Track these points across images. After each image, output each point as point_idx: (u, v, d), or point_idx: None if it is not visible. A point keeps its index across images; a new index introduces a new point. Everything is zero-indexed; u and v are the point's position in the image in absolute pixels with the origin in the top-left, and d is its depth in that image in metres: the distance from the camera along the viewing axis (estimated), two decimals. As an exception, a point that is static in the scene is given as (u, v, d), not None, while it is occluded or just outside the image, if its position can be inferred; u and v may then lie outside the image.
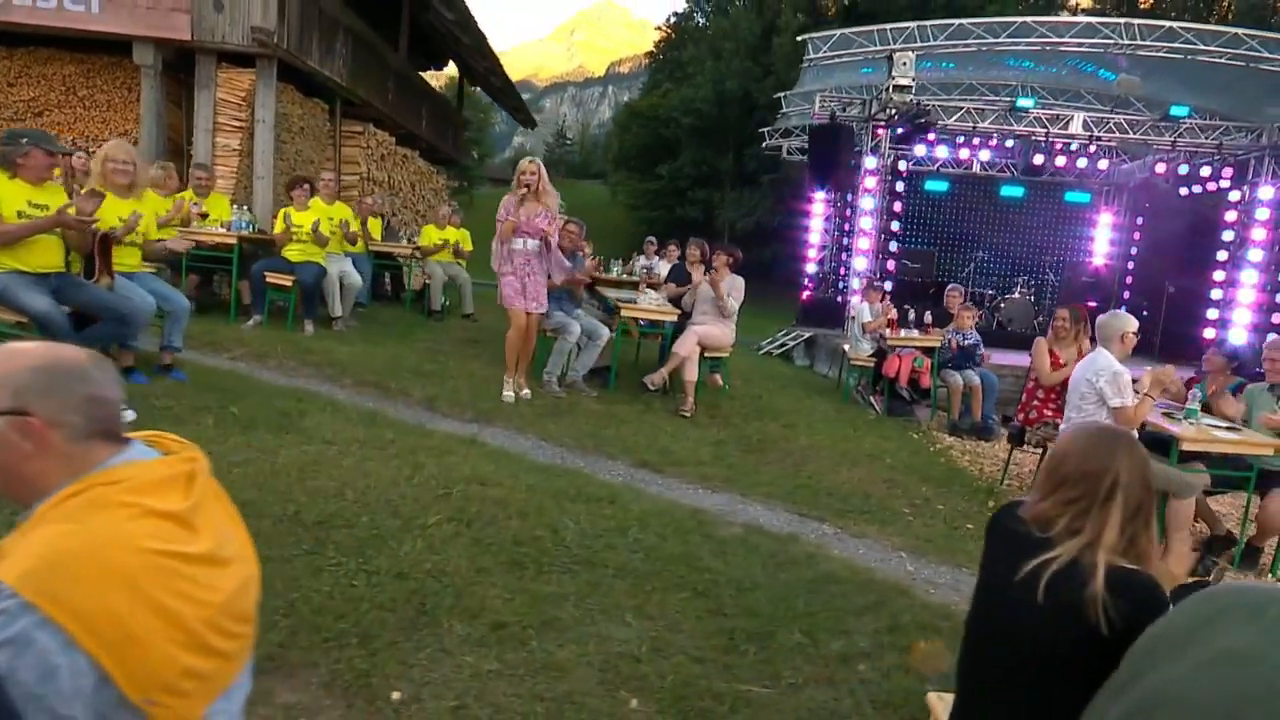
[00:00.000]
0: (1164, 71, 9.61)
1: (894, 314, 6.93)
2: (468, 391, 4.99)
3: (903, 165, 10.00)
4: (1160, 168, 10.48)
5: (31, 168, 3.39)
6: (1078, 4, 32.58)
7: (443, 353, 6.15)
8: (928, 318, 6.73)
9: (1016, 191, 12.68)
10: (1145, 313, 10.83)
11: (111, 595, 0.88)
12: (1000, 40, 9.35)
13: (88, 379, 1.02)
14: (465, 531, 3.05)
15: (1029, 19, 9.42)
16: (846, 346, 7.46)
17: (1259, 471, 4.01)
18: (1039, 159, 10.08)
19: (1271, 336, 4.30)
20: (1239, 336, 9.52)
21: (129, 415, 1.08)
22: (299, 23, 6.93)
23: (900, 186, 10.02)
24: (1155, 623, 1.06)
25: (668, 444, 4.57)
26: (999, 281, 12.37)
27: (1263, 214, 9.70)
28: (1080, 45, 9.21)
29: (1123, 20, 9.14)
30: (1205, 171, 9.94)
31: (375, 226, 8.07)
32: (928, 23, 9.49)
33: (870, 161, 10.09)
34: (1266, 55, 8.52)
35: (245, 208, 6.08)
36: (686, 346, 5.46)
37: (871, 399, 6.86)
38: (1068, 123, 9.86)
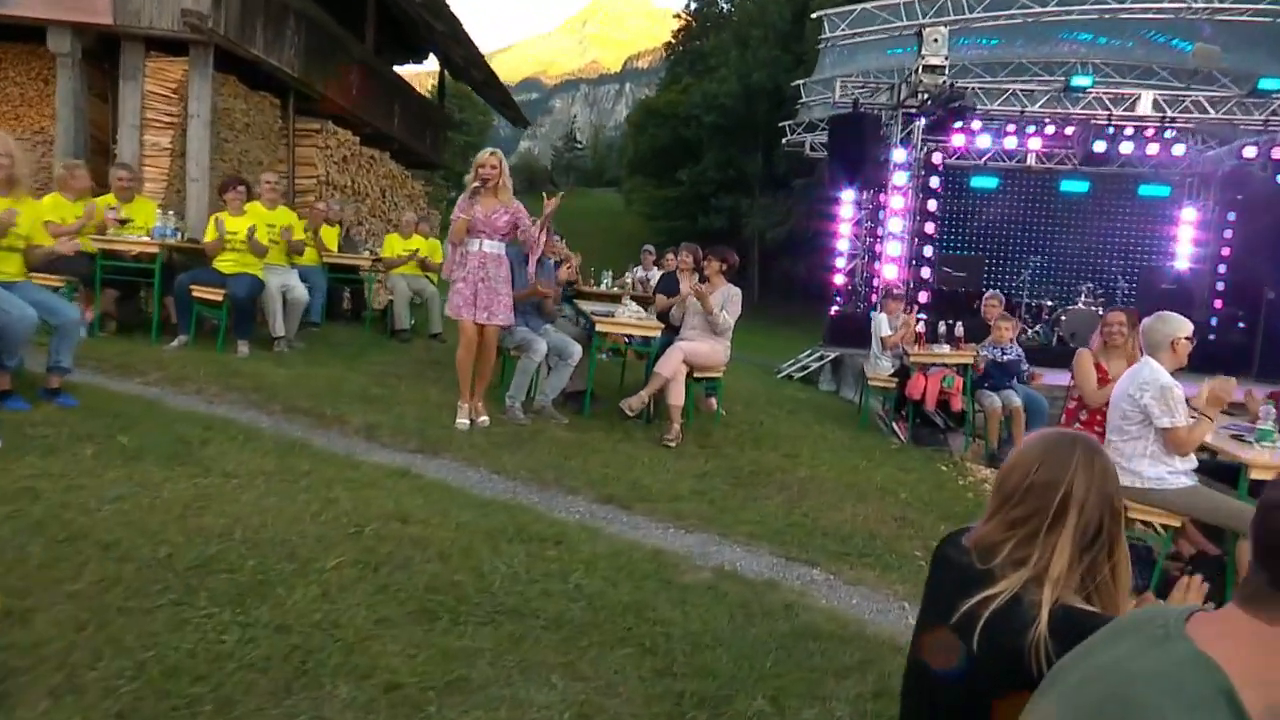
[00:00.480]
0: (1250, 39, 9.40)
1: (918, 326, 6.84)
2: (416, 418, 4.98)
3: (937, 158, 9.90)
4: (1249, 152, 10.24)
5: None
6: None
7: (396, 376, 6.18)
8: (958, 330, 6.58)
9: (1079, 186, 12.49)
10: (1241, 325, 10.53)
11: None
12: (1050, 9, 9.26)
13: None
14: (370, 576, 2.95)
15: (1085, -16, 9.35)
16: (865, 365, 7.45)
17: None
18: (1100, 146, 9.91)
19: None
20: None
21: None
22: (240, 5, 7.05)
23: (935, 182, 9.94)
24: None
25: (642, 476, 4.50)
26: (1060, 290, 12.13)
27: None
28: (1149, 11, 9.06)
29: (1201, -22, 9.00)
30: (1307, 155, 9.71)
31: (330, 235, 8.15)
32: (963, -7, 9.48)
33: (899, 155, 10.05)
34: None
35: (171, 213, 6.12)
36: (670, 366, 5.40)
37: (894, 425, 6.82)
38: (1134, 102, 9.70)
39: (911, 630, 3.03)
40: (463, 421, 4.93)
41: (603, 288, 8.34)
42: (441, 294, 8.47)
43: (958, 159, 12.00)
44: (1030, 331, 10.70)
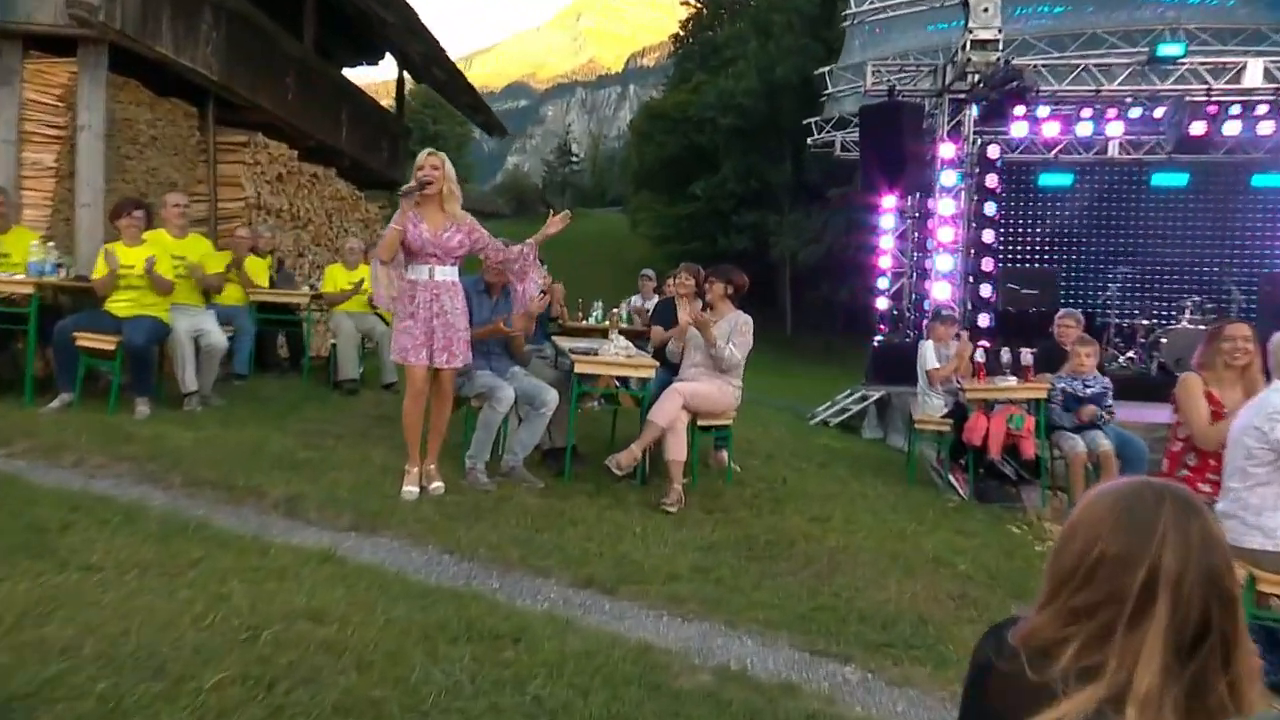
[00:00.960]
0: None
1: (975, 354, 6.84)
2: (353, 487, 4.91)
3: (994, 152, 9.90)
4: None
5: None
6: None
7: (334, 436, 6.13)
8: (1026, 358, 6.48)
9: (1176, 179, 12.33)
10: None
11: None
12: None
13: None
14: (262, 696, 2.73)
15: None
16: (912, 405, 7.45)
17: None
18: (1199, 128, 9.72)
19: None
20: None
21: None
22: (141, -6, 7.07)
23: (993, 182, 9.92)
24: None
25: (631, 551, 4.40)
26: (1157, 307, 11.91)
27: None
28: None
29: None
30: None
31: (258, 268, 8.15)
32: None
33: (948, 150, 10.07)
34: None
35: (53, 246, 6.02)
36: (667, 413, 5.35)
37: (951, 478, 6.80)
38: (1239, 73, 9.56)
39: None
40: (410, 490, 4.87)
41: (591, 321, 8.41)
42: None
43: (1020, 153, 11.95)
44: (1122, 359, 10.46)
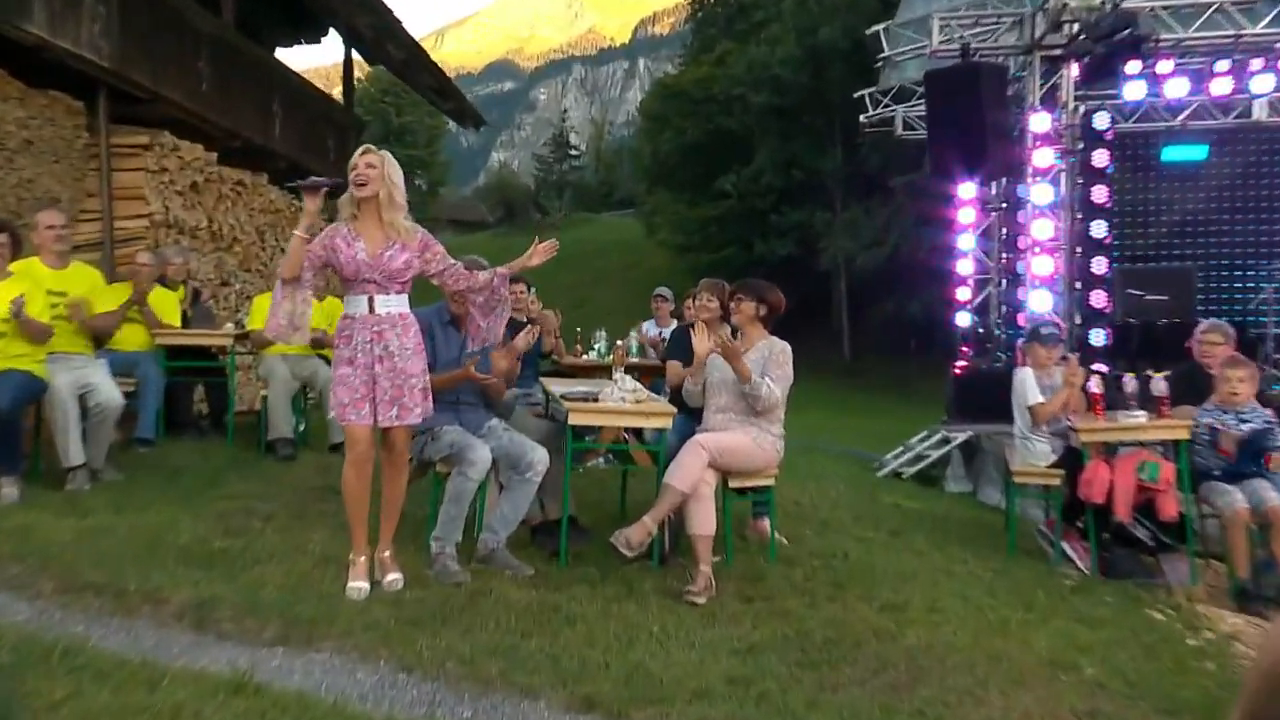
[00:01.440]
0: None
1: (1089, 383, 6.71)
2: (282, 585, 4.83)
3: (1103, 121, 9.89)
4: None
5: None
6: None
7: (262, 516, 6.10)
8: (1158, 385, 6.42)
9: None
10: None
11: None
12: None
13: None
14: None
15: None
16: (1009, 452, 7.43)
17: None
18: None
19: None
20: None
21: None
22: (0, -39, 7.13)
23: (1102, 159, 9.95)
24: None
25: (646, 660, 4.31)
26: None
27: None
28: None
29: None
30: None
31: (167, 303, 8.18)
32: None
33: (1041, 122, 10.11)
34: None
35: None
36: (688, 474, 5.31)
37: (1067, 546, 6.74)
38: None
39: None
40: (358, 586, 4.81)
41: (593, 356, 8.45)
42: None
43: (1137, 121, 11.95)
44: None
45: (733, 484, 5.62)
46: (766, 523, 6.12)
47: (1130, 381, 6.82)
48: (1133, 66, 9.63)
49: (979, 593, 5.65)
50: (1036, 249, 10.07)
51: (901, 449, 11.49)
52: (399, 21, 12.62)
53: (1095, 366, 8.80)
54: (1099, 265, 9.81)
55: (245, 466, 7.58)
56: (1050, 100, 10.07)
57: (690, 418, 5.96)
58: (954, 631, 4.88)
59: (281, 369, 8.09)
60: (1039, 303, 9.96)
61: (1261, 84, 10.26)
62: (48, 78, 8.36)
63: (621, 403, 5.64)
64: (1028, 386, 6.97)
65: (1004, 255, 12.31)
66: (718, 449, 5.38)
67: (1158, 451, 6.34)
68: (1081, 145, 9.90)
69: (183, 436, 8.32)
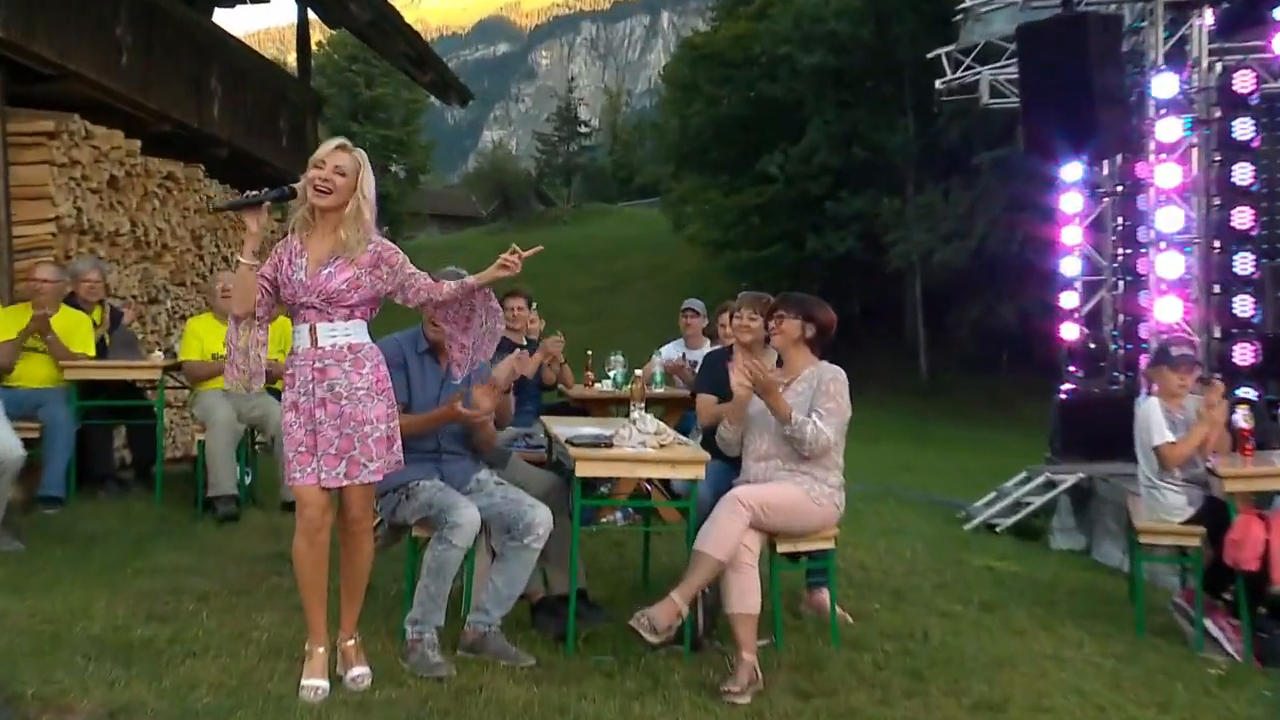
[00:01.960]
0: None
1: (1236, 416, 6.65)
2: (220, 685, 4.77)
3: (1244, 83, 9.82)
4: None
5: None
6: None
7: (196, 595, 6.07)
8: None
9: None
10: None
11: None
12: None
13: None
14: None
15: None
16: (1132, 503, 7.37)
17: None
18: None
19: None
20: None
21: None
22: None
23: (1246, 130, 9.84)
24: None
25: None
26: None
27: None
28: None
29: None
30: None
31: (78, 328, 8.19)
32: None
33: (1165, 85, 10.10)
34: None
35: None
36: (725, 537, 5.26)
37: (1212, 624, 6.60)
38: None
39: None
40: (314, 685, 4.75)
41: (607, 386, 8.39)
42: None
43: None
44: None
45: (782, 548, 5.58)
46: (825, 595, 6.08)
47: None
48: (1281, 13, 9.54)
49: (1098, 686, 5.55)
50: (1162, 244, 10.01)
51: (994, 494, 11.35)
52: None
53: (1241, 393, 8.67)
54: (1243, 263, 9.68)
55: (177, 531, 7.57)
56: (1178, 58, 10.01)
57: (728, 464, 5.93)
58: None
59: (223, 408, 8.08)
60: (1166, 311, 9.88)
61: None
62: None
63: (641, 448, 5.58)
64: (1154, 421, 6.87)
65: (1120, 251, 12.19)
66: (761, 505, 5.33)
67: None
68: (1218, 113, 9.83)
69: (99, 494, 8.35)
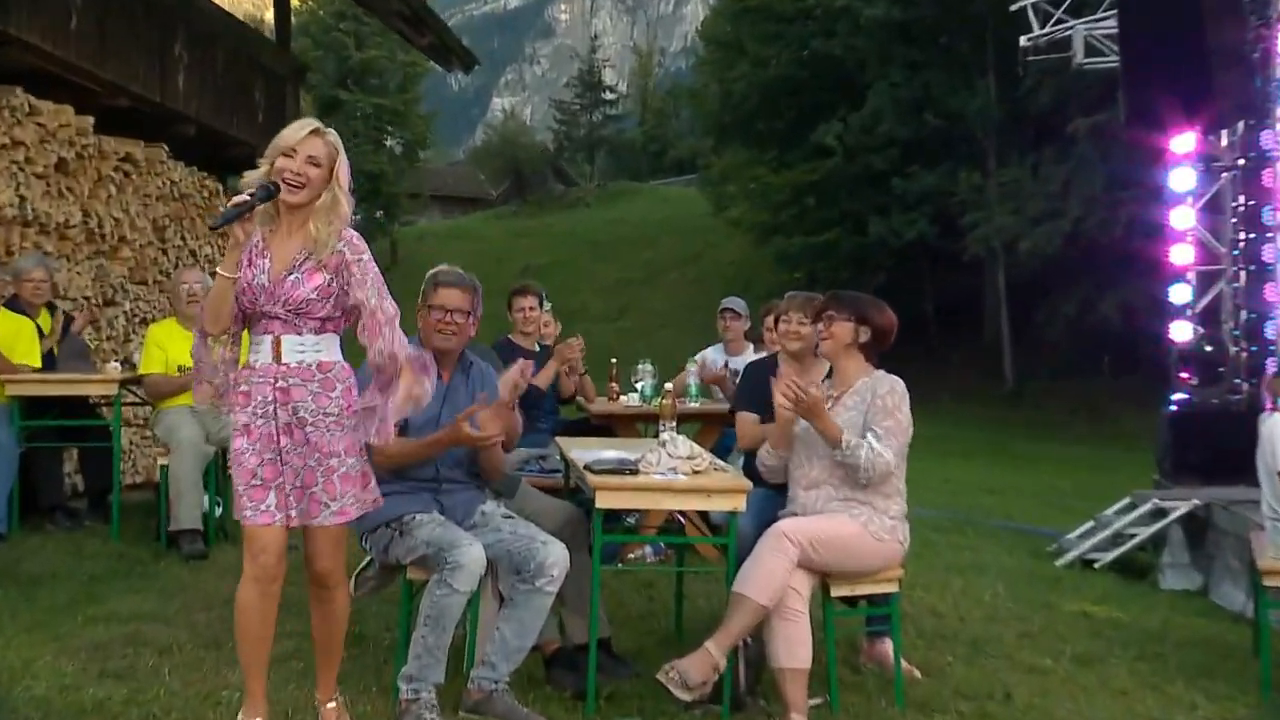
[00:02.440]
0: None
1: None
2: None
3: None
4: None
5: None
6: None
7: (158, 648, 6.09)
8: None
9: None
10: None
11: None
12: None
13: None
14: None
15: None
16: (1255, 536, 7.29)
17: None
18: None
19: None
20: None
21: None
22: None
23: None
24: None
25: None
26: None
27: None
28: None
29: None
30: None
31: (21, 336, 8.29)
32: None
33: None
34: None
35: None
36: (769, 577, 5.27)
37: None
38: None
39: None
40: None
41: (634, 400, 8.41)
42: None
43: None
44: None
45: (836, 591, 5.57)
46: (888, 647, 6.03)
47: None
48: None
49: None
50: (1285, 226, 9.87)
51: (1092, 524, 11.19)
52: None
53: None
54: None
55: (136, 571, 7.60)
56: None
57: (775, 491, 5.92)
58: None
59: (188, 428, 8.11)
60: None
61: None
62: None
63: (671, 475, 5.53)
64: (1279, 441, 6.83)
65: (1241, 236, 11.96)
66: (811, 541, 5.30)
67: None
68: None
69: (46, 527, 8.42)
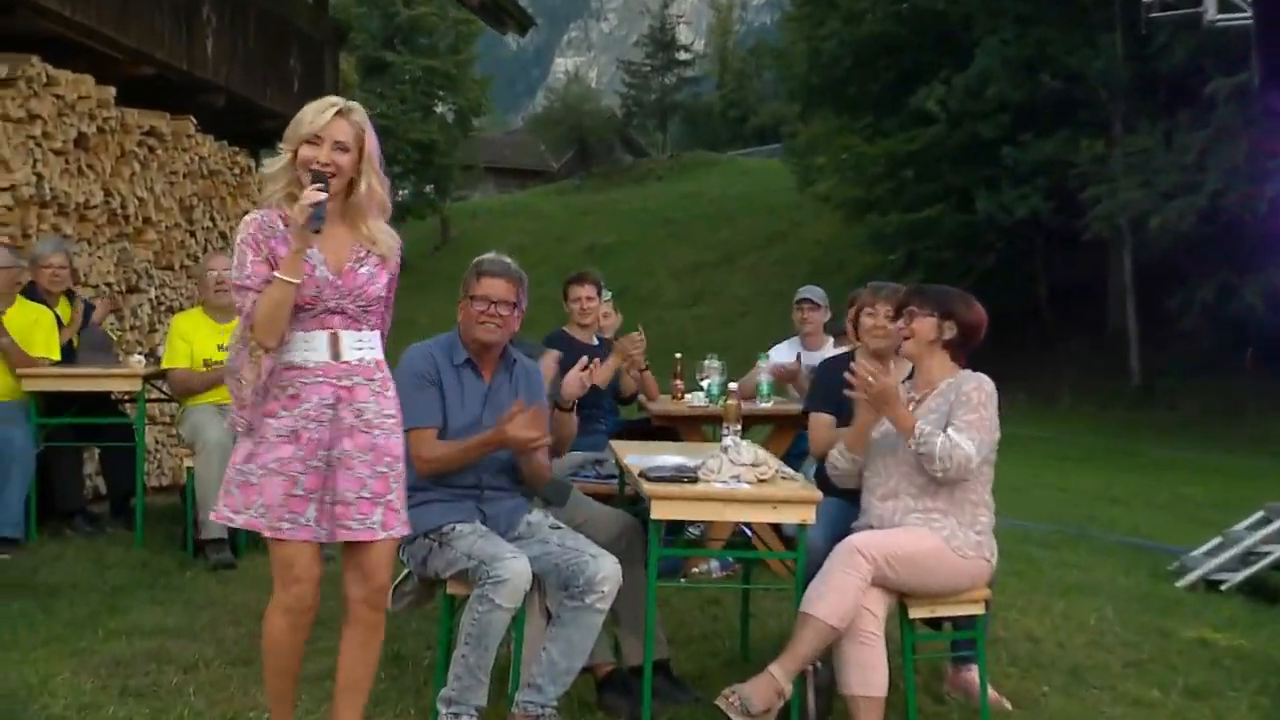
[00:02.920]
0: None
1: None
2: None
3: None
4: None
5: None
6: None
7: (183, 665, 6.18)
8: None
9: None
10: None
11: None
12: None
13: None
14: None
15: None
16: None
17: None
18: None
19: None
20: None
21: None
22: None
23: None
24: None
25: None
26: None
27: None
28: None
29: None
30: None
31: (38, 326, 8.38)
32: None
33: None
34: None
35: None
36: (840, 596, 5.26)
37: None
38: None
39: None
40: None
41: (700, 400, 8.39)
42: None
43: None
44: None
45: (915, 612, 5.54)
46: (974, 674, 5.98)
47: None
48: None
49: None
50: None
51: (1219, 540, 10.95)
52: None
53: None
54: None
55: (161, 581, 7.68)
56: None
57: (850, 502, 5.91)
58: None
59: (214, 427, 8.14)
60: None
61: None
62: None
63: (734, 483, 5.52)
64: None
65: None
66: (887, 557, 5.28)
67: None
68: None
69: (66, 533, 8.54)
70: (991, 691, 5.92)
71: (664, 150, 73.81)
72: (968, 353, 5.76)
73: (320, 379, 4.60)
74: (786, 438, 8.22)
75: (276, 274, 4.44)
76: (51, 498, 8.63)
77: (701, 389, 8.35)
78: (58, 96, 9.80)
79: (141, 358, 9.01)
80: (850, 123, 40.55)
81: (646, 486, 5.48)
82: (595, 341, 8.45)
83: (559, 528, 5.62)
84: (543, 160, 72.78)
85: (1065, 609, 8.33)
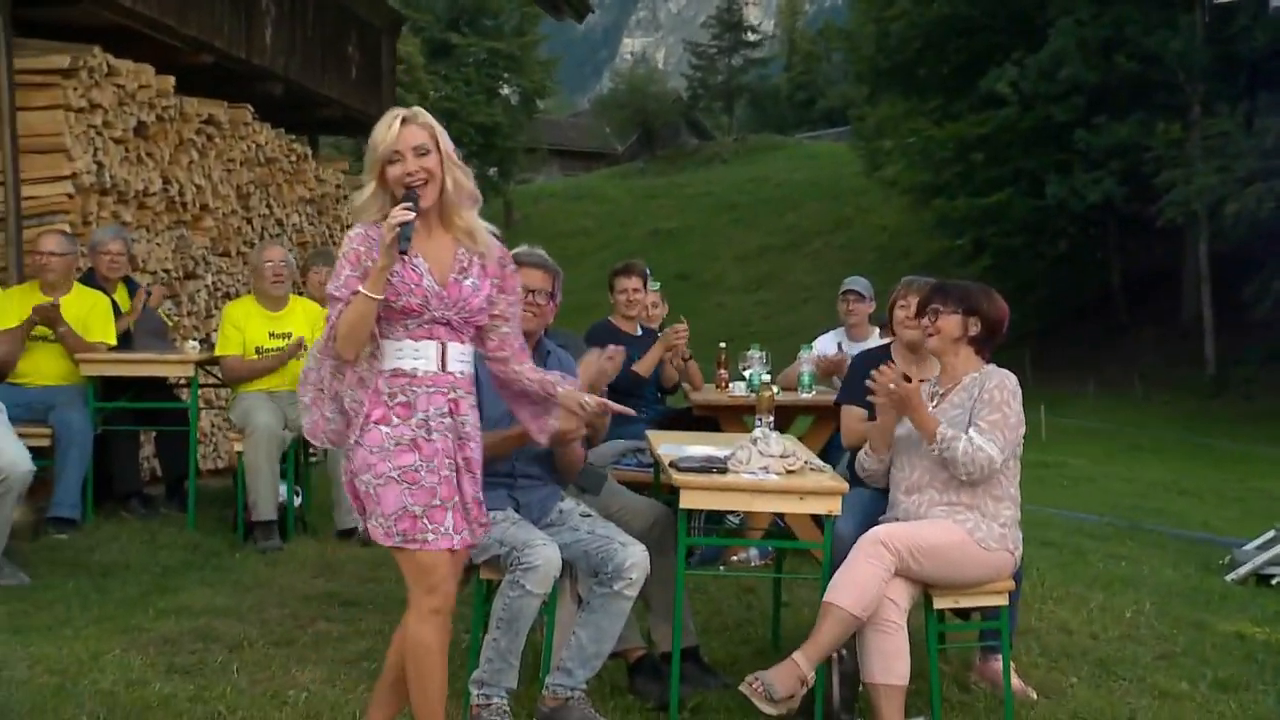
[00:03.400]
0: None
1: None
2: None
3: None
4: None
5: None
6: None
7: (229, 644, 6.29)
8: None
9: None
10: None
11: None
12: None
13: None
14: None
15: None
16: None
17: None
18: None
19: None
20: None
21: None
22: None
23: None
24: None
25: None
26: None
27: None
28: None
29: None
30: None
31: (96, 312, 8.48)
32: None
33: None
34: None
35: None
36: (864, 586, 5.29)
37: None
38: None
39: None
40: None
41: (742, 390, 8.30)
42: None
43: None
44: None
45: (939, 603, 5.53)
46: (998, 664, 5.99)
47: None
48: None
49: None
50: None
51: (1272, 533, 10.69)
52: None
53: None
54: None
55: (211, 562, 7.82)
56: None
57: (879, 493, 5.94)
58: None
59: (264, 412, 8.29)
60: None
61: None
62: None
63: (763, 474, 5.55)
64: None
65: None
66: (911, 549, 5.32)
67: None
68: None
69: (121, 514, 8.67)
70: (1017, 681, 5.96)
71: (729, 133, 73.22)
72: (992, 348, 5.78)
73: (433, 389, 4.64)
74: (827, 429, 8.13)
75: (360, 289, 4.46)
76: (109, 480, 8.76)
77: (747, 379, 8.22)
78: (118, 86, 9.86)
79: (196, 343, 9.02)
80: (919, 105, 40.28)
81: (676, 476, 5.54)
82: (639, 331, 8.50)
83: (590, 515, 5.65)
84: (607, 143, 72.33)
85: (1103, 601, 8.24)
